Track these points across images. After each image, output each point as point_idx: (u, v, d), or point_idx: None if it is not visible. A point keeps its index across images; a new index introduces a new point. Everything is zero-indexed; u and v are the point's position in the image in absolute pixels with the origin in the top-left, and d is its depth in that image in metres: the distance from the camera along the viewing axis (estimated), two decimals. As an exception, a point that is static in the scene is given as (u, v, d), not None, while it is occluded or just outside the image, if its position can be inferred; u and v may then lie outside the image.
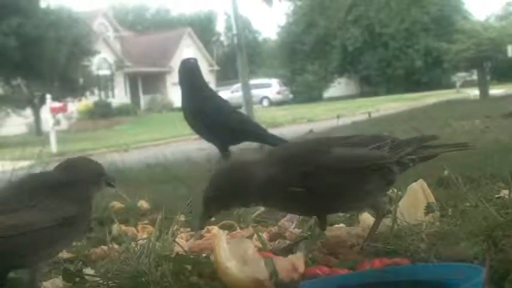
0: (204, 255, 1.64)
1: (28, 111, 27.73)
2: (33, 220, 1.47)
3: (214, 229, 2.01)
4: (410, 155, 1.69)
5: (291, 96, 37.32)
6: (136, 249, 1.71)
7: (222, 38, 52.78)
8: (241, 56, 11.52)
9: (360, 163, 1.64)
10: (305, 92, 38.90)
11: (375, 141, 1.69)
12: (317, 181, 1.61)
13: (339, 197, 1.65)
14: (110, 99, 35.57)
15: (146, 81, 39.72)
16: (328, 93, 40.79)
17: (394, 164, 1.66)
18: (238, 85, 19.99)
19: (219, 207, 1.67)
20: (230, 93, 27.19)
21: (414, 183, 1.90)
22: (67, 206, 1.53)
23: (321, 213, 1.74)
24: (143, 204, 2.83)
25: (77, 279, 1.61)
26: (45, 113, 19.80)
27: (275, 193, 1.64)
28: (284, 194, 1.62)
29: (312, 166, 1.62)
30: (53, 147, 15.12)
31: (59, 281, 1.66)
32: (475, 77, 23.63)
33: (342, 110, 18.99)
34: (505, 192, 1.97)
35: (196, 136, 5.12)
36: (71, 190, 1.58)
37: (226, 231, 1.93)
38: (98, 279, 1.61)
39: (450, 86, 33.71)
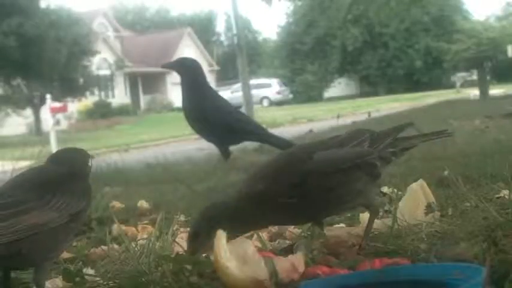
0: (204, 255, 1.64)
1: (28, 111, 27.72)
2: (48, 219, 1.44)
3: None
4: (390, 148, 1.70)
5: (291, 96, 37.32)
6: (136, 249, 1.71)
7: (222, 38, 52.81)
8: (241, 56, 11.53)
9: (343, 163, 1.64)
10: (305, 92, 38.94)
11: (354, 138, 1.69)
12: (306, 189, 1.61)
13: (330, 201, 1.65)
14: (110, 99, 35.57)
15: (146, 81, 39.70)
16: (328, 93, 40.82)
17: (377, 158, 1.67)
18: (238, 85, 20.00)
19: (206, 241, 1.57)
20: (230, 93, 27.21)
21: (414, 183, 1.90)
22: (74, 201, 1.52)
23: (317, 219, 1.74)
24: (143, 204, 2.82)
25: (77, 279, 1.61)
26: (45, 113, 19.78)
27: (269, 210, 1.62)
28: (277, 208, 1.62)
29: (298, 176, 1.61)
30: (53, 147, 15.09)
31: (59, 281, 1.65)
32: (475, 77, 23.63)
33: (342, 110, 18.99)
34: (505, 192, 1.97)
35: (196, 136, 5.12)
36: (74, 184, 1.56)
37: (226, 231, 1.93)
38: (98, 279, 1.61)
39: (450, 86, 33.71)
